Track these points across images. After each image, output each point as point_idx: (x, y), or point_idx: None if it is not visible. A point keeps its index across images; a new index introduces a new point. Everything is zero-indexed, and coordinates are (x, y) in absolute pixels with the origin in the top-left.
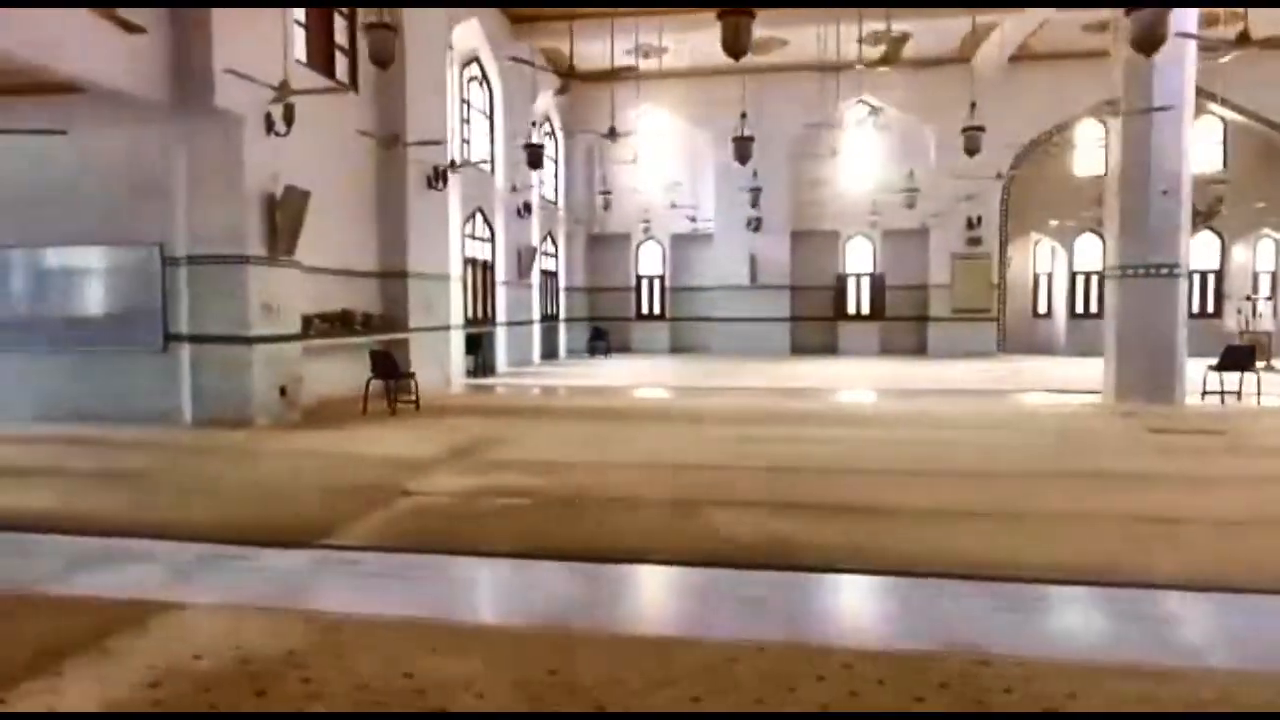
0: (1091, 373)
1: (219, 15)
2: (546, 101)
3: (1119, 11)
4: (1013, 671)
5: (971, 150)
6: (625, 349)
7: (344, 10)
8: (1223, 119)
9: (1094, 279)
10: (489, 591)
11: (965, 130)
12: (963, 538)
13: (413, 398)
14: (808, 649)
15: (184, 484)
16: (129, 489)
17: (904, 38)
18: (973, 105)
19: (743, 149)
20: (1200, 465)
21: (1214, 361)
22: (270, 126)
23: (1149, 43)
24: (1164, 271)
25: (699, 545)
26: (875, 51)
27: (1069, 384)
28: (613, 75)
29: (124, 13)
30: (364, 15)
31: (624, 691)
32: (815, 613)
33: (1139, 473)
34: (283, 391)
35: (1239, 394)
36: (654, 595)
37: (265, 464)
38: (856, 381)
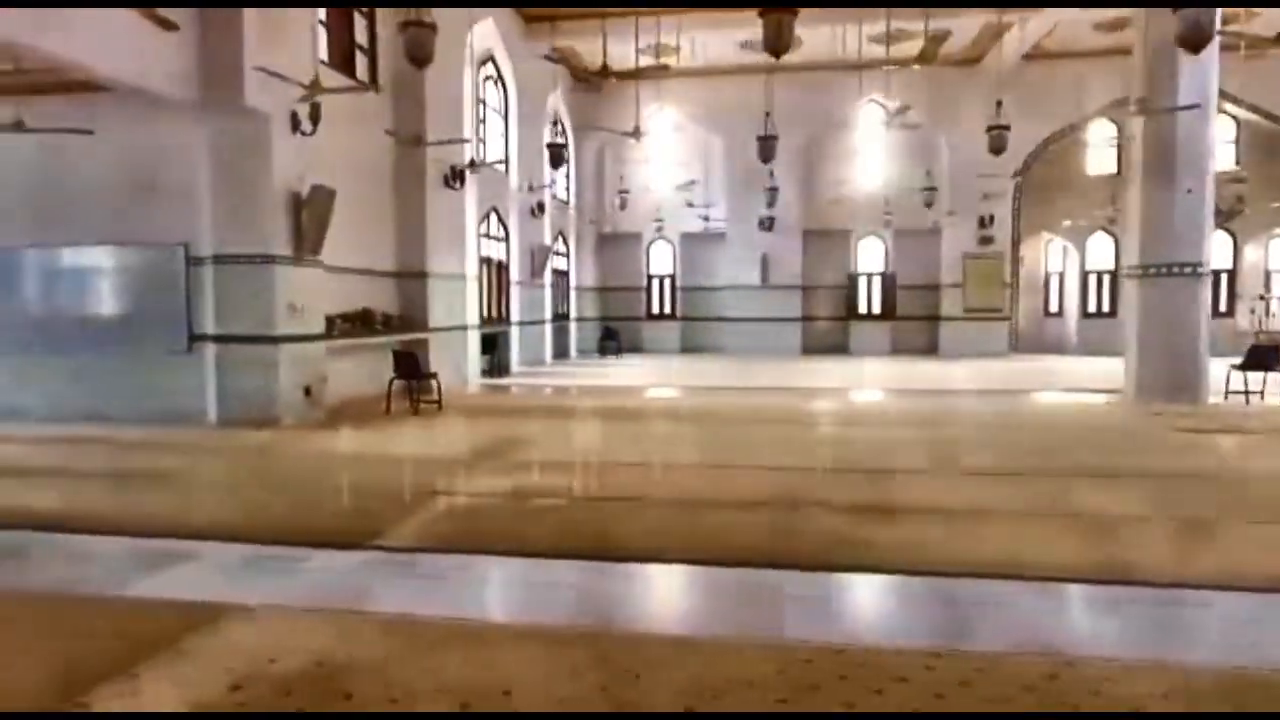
0: (1107, 372)
1: (249, 14)
2: (558, 101)
3: (1139, 10)
4: (1096, 673)
5: (997, 149)
6: (636, 349)
7: (363, 10)
8: (1235, 118)
9: (1106, 278)
10: (543, 592)
11: (990, 129)
12: (1005, 538)
13: (434, 398)
14: (884, 650)
15: (221, 485)
16: (166, 490)
17: (944, 35)
18: (998, 104)
19: (766, 148)
20: (1236, 463)
21: (1231, 361)
22: (296, 125)
23: (1196, 40)
24: (1187, 270)
25: (754, 544)
26: (897, 50)
27: (1087, 383)
28: (637, 74)
29: (159, 11)
30: (396, 15)
31: (708, 693)
32: (879, 614)
33: (1176, 471)
34: (307, 391)
35: (1261, 393)
36: (710, 596)
37: (298, 465)
38: (872, 381)
